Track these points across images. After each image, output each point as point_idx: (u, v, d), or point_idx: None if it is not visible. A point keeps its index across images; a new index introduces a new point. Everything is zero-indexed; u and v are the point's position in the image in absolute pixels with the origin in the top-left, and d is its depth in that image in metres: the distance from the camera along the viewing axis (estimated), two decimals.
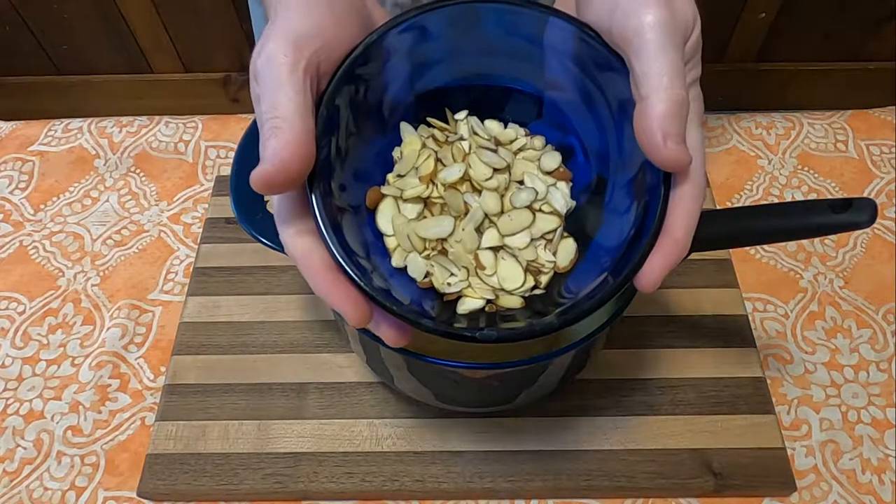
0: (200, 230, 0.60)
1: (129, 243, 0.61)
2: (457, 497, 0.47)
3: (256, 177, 0.27)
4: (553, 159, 0.36)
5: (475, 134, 0.36)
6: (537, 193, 0.34)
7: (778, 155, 0.64)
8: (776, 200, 0.61)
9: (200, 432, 0.49)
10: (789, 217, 0.36)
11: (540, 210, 0.34)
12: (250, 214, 0.39)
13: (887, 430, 0.49)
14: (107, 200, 0.63)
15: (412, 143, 0.35)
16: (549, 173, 0.36)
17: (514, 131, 0.37)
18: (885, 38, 1.29)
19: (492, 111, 0.37)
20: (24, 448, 0.50)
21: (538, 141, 0.37)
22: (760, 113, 0.68)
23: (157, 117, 0.69)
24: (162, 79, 1.41)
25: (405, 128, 0.36)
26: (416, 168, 0.35)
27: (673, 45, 0.28)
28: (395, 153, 0.36)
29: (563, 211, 0.35)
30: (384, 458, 0.47)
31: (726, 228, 0.37)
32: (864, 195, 0.58)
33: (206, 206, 0.62)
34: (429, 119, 0.36)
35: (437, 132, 0.36)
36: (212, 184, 0.64)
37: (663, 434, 0.48)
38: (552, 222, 0.34)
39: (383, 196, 0.34)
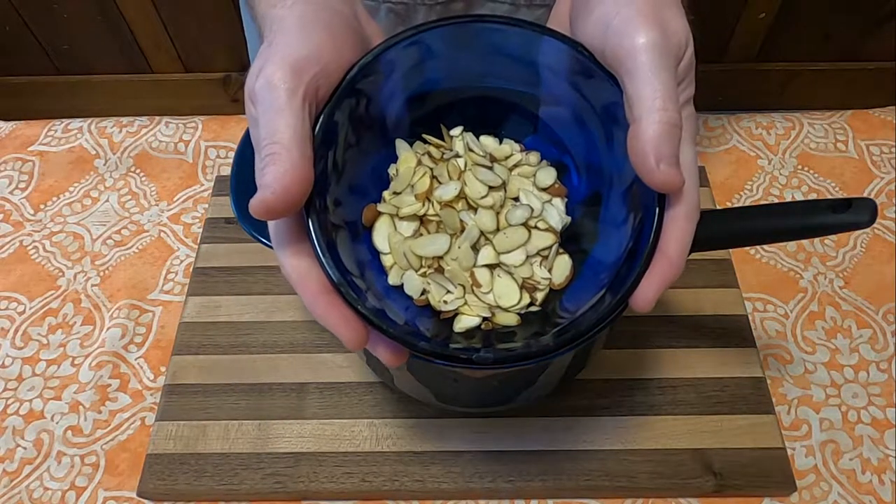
0: (200, 230, 0.60)
1: (129, 243, 0.61)
2: (457, 497, 0.47)
3: (256, 204, 0.27)
4: (548, 175, 0.36)
5: (470, 150, 0.36)
6: (532, 210, 0.34)
7: (778, 155, 0.64)
8: (776, 200, 0.61)
9: (200, 432, 0.49)
10: (789, 217, 0.36)
11: (535, 227, 0.35)
12: (250, 214, 0.39)
13: (887, 430, 0.49)
14: (107, 200, 0.63)
15: (408, 160, 0.35)
16: (544, 189, 0.36)
17: (509, 147, 0.37)
18: (885, 38, 1.29)
19: (487, 127, 0.37)
20: (24, 448, 0.50)
21: (533, 157, 0.37)
22: (760, 113, 0.68)
23: (157, 117, 0.69)
24: (162, 79, 1.41)
25: (401, 145, 0.36)
26: (412, 185, 0.35)
27: (665, 67, 0.28)
28: (391, 170, 0.36)
29: (559, 227, 0.35)
30: (384, 458, 0.47)
31: (726, 228, 0.37)
32: (864, 195, 0.58)
33: (206, 206, 0.62)
34: (424, 136, 0.36)
35: (432, 149, 0.36)
36: (212, 184, 0.64)
37: (663, 434, 0.48)
38: (547, 239, 0.34)
39: (379, 214, 0.34)
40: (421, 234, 0.34)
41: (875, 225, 0.55)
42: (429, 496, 0.47)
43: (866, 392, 0.51)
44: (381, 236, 0.34)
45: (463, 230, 0.34)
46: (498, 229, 0.34)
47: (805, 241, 0.59)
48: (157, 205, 0.63)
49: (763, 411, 0.49)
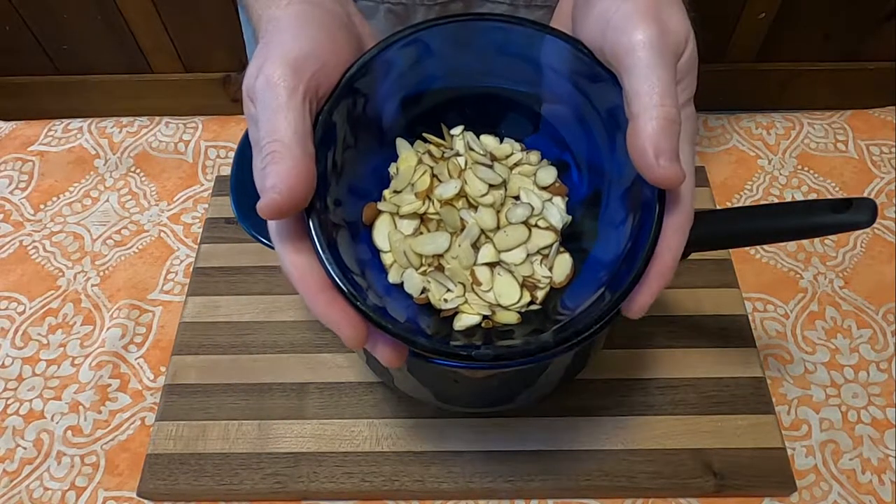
0: (200, 230, 0.60)
1: (129, 243, 0.61)
2: (457, 497, 0.47)
3: (265, 206, 0.27)
4: (549, 174, 0.36)
5: (471, 149, 0.36)
6: (533, 209, 0.34)
7: (778, 155, 0.64)
8: (776, 200, 0.61)
9: (200, 432, 0.49)
10: (789, 217, 0.36)
11: (536, 225, 0.34)
12: (250, 214, 0.39)
13: (887, 430, 0.49)
14: (107, 200, 0.63)
15: (408, 158, 0.35)
16: (544, 188, 0.36)
17: (509, 146, 0.37)
18: (885, 38, 1.29)
19: (487, 126, 0.37)
20: (24, 448, 0.50)
21: (534, 156, 0.37)
22: (760, 113, 0.68)
23: (157, 117, 0.69)
24: (162, 79, 1.41)
25: (401, 143, 0.36)
26: (413, 184, 0.35)
27: (663, 64, 0.28)
28: (392, 169, 0.36)
29: (559, 226, 0.35)
30: (384, 458, 0.47)
31: (726, 228, 0.37)
32: (864, 195, 0.58)
33: (206, 206, 0.62)
34: (425, 135, 0.36)
35: (433, 148, 0.36)
36: (212, 184, 0.64)
37: (663, 434, 0.48)
38: (548, 238, 0.34)
39: (380, 212, 0.34)
40: (421, 233, 0.34)
41: (875, 225, 0.55)
42: (429, 496, 0.47)
43: (866, 392, 0.51)
44: (381, 234, 0.34)
45: (463, 228, 0.34)
46: (498, 227, 0.34)
47: (805, 241, 0.59)
48: (157, 205, 0.63)
49: (763, 411, 0.49)
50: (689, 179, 0.29)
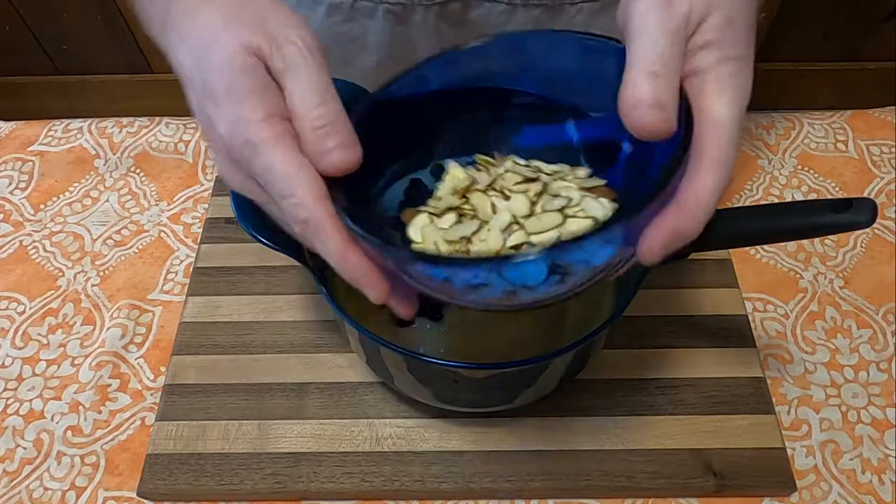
0: (200, 230, 0.60)
1: (129, 243, 0.61)
2: (457, 497, 0.47)
3: (342, 161, 0.29)
4: (595, 181, 0.35)
5: (516, 164, 0.37)
6: (571, 200, 0.33)
7: (778, 155, 0.64)
8: (776, 200, 0.61)
9: (200, 432, 0.49)
10: (789, 217, 0.36)
11: (574, 216, 0.33)
12: (250, 214, 0.39)
13: (887, 430, 0.49)
14: (107, 200, 0.63)
15: (455, 172, 0.37)
16: (588, 189, 0.35)
17: (557, 167, 0.37)
18: (885, 38, 1.29)
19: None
20: (24, 448, 0.50)
21: (582, 171, 0.36)
22: (760, 113, 0.68)
23: (157, 117, 0.69)
24: (162, 79, 1.41)
25: (450, 162, 0.37)
26: (454, 188, 0.36)
27: (663, 29, 0.28)
28: (438, 184, 0.37)
29: (600, 217, 0.33)
30: (384, 458, 0.47)
31: (726, 228, 0.37)
32: (864, 195, 0.58)
33: (206, 206, 0.62)
34: (476, 157, 0.37)
35: (480, 165, 0.37)
36: (212, 184, 0.64)
37: (663, 434, 0.48)
38: (584, 226, 0.32)
39: (419, 212, 0.35)
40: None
41: (875, 225, 0.55)
42: (429, 496, 0.47)
43: (866, 392, 0.51)
44: (416, 228, 0.34)
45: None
46: (531, 216, 0.33)
47: (805, 241, 0.59)
48: (157, 205, 0.63)
49: (763, 411, 0.49)
50: (721, 133, 0.28)
